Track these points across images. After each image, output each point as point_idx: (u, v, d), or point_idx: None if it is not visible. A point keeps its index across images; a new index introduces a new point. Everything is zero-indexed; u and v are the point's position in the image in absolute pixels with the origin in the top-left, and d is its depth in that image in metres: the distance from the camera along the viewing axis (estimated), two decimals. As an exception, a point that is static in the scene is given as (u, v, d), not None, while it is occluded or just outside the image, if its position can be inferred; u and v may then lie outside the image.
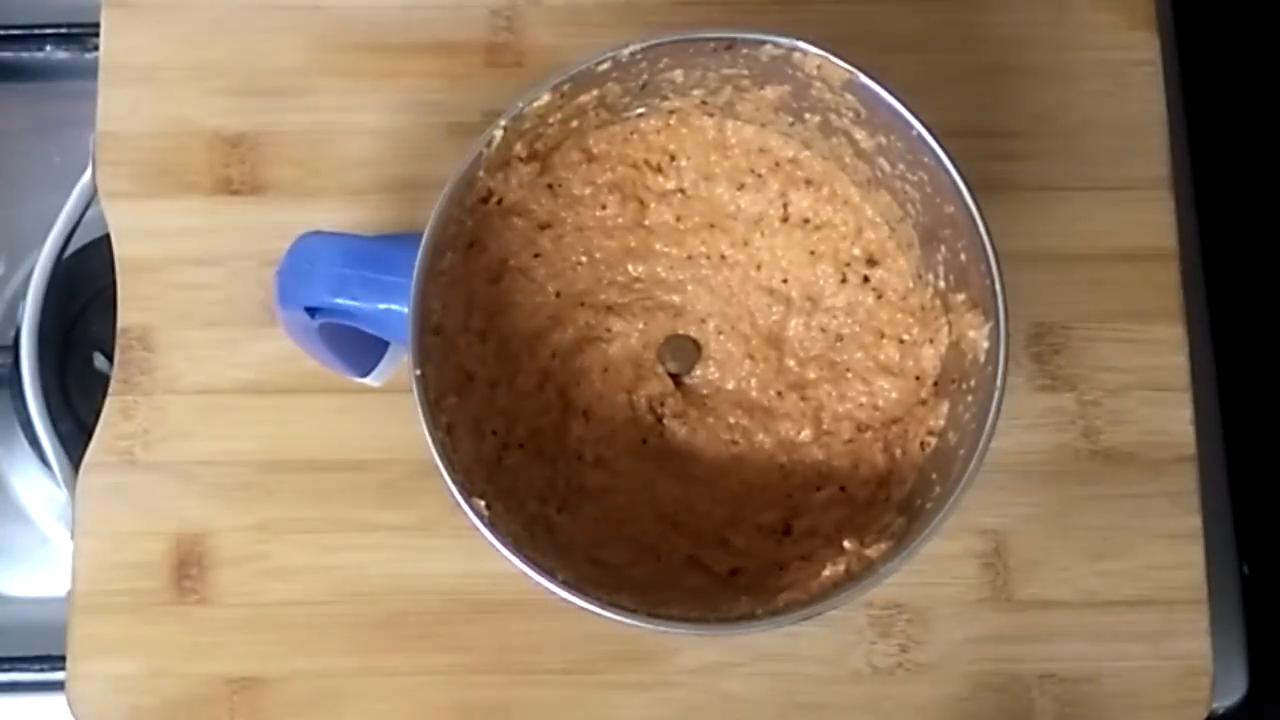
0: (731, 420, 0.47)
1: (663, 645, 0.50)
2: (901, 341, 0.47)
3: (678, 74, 0.45)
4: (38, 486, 0.59)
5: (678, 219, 0.48)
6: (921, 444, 0.45)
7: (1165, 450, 0.51)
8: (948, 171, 0.42)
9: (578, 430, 0.47)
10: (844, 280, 0.48)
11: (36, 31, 0.60)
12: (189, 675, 0.50)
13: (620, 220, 0.48)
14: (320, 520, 0.51)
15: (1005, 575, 0.50)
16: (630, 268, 0.48)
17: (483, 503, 0.41)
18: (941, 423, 0.45)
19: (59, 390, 0.58)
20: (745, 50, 0.44)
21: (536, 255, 0.47)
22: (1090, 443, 0.51)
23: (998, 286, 0.42)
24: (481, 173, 0.44)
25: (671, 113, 0.47)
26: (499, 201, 0.46)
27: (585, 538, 0.45)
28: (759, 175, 0.48)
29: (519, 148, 0.45)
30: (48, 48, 0.60)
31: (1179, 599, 0.50)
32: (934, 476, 0.44)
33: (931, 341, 0.46)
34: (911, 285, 0.47)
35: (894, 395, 0.46)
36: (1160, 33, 0.54)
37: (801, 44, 0.43)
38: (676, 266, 0.48)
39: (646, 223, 0.48)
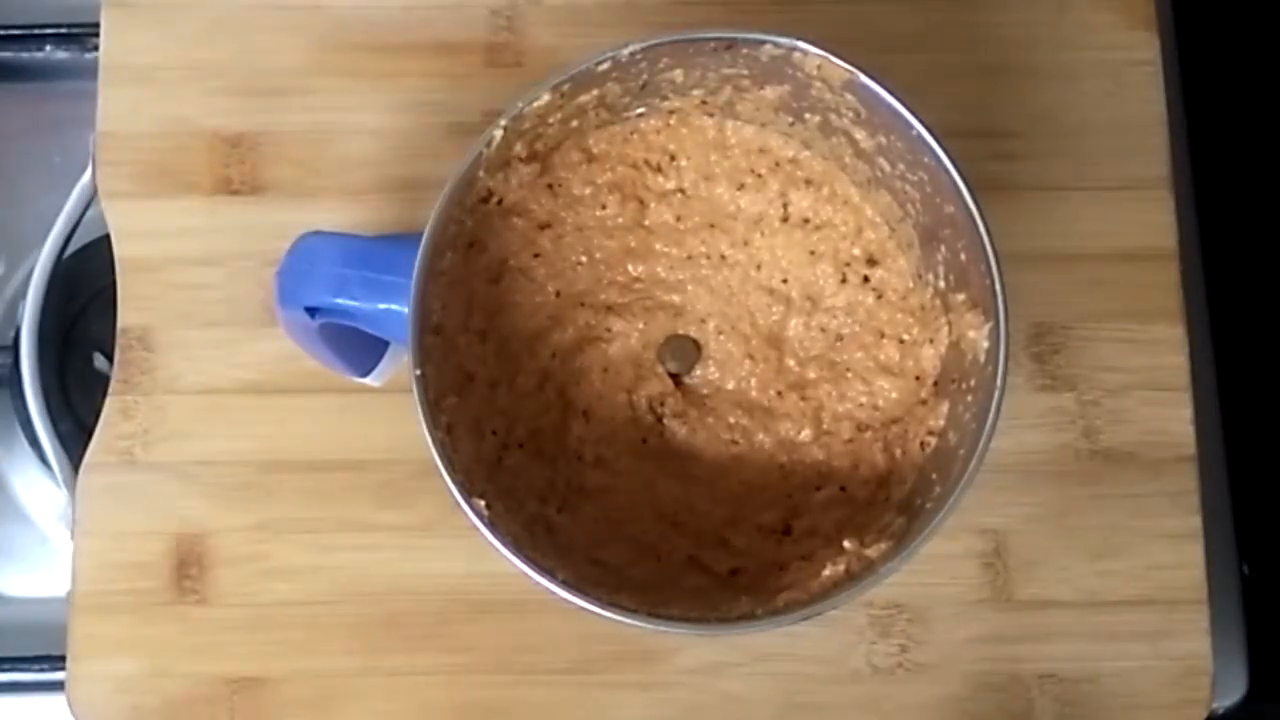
0: (731, 420, 0.47)
1: (663, 645, 0.50)
2: (901, 341, 0.47)
3: (678, 74, 0.45)
4: (38, 486, 0.59)
5: (678, 219, 0.48)
6: (921, 444, 0.45)
7: (1165, 450, 0.51)
8: (948, 171, 0.42)
9: (578, 430, 0.47)
10: (844, 280, 0.48)
11: (36, 31, 0.60)
12: (189, 675, 0.50)
13: (620, 220, 0.48)
14: (320, 520, 0.51)
15: (1005, 575, 0.50)
16: (630, 268, 0.48)
17: (483, 503, 0.41)
18: (941, 423, 0.45)
19: (59, 390, 0.58)
20: (745, 50, 0.44)
21: (536, 255, 0.47)
22: (1090, 443, 0.51)
23: (998, 286, 0.42)
24: (481, 173, 0.44)
25: (671, 113, 0.47)
26: (499, 201, 0.46)
27: (585, 538, 0.45)
28: (759, 175, 0.48)
29: (519, 148, 0.45)
30: (48, 48, 0.60)
31: (1179, 599, 0.50)
32: (934, 476, 0.44)
33: (931, 341, 0.46)
34: (911, 285, 0.47)
35: (894, 395, 0.46)
36: (1160, 33, 0.54)
37: (801, 44, 0.43)
38: (676, 266, 0.48)
39: (646, 223, 0.48)
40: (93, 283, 0.58)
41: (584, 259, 0.48)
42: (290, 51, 0.54)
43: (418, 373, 0.41)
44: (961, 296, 0.44)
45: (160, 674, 0.50)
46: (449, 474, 0.41)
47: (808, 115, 0.46)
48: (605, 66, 0.43)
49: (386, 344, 0.48)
